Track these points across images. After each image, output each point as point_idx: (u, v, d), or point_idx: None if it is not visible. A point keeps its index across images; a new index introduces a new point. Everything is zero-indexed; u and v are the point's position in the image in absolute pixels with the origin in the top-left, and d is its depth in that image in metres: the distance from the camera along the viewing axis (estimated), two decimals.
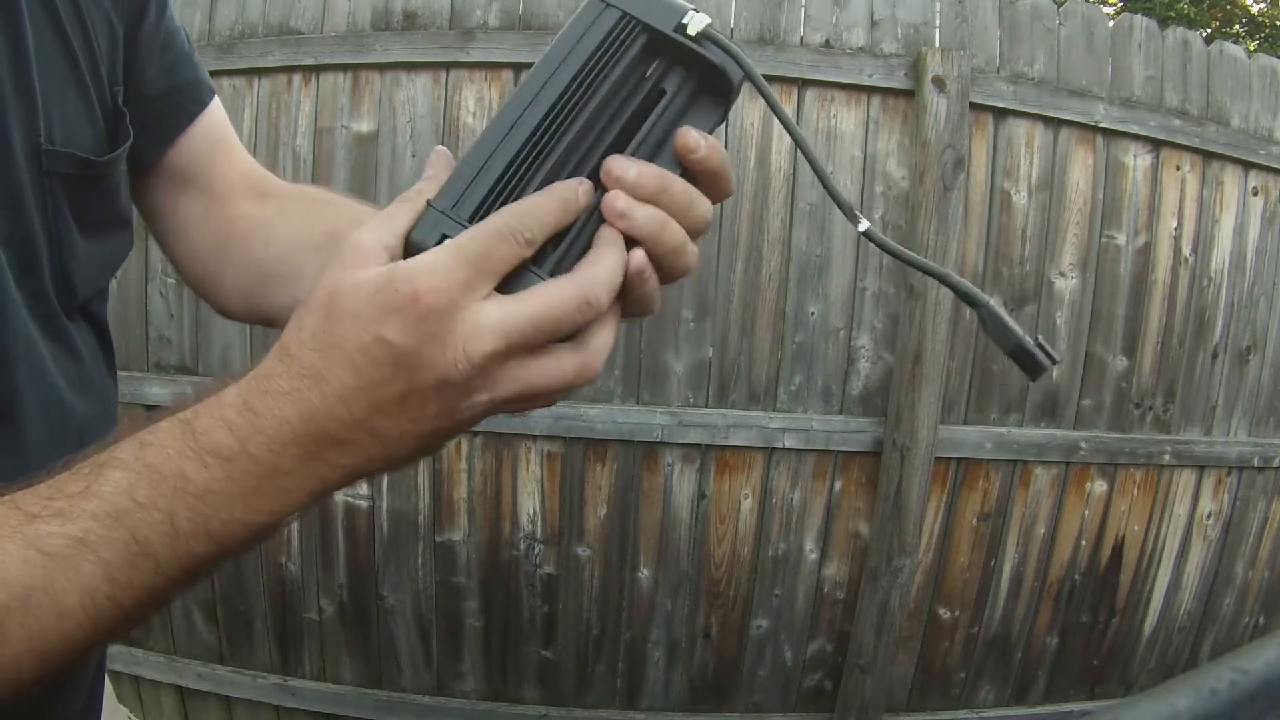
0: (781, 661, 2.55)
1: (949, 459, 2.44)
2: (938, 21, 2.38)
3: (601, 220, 0.47)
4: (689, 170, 0.48)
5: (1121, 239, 2.48)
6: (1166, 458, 2.56)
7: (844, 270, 2.39)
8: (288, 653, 2.55)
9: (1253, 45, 8.86)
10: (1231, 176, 2.54)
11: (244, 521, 0.44)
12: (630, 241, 0.47)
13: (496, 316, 0.43)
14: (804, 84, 2.33)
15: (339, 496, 2.42)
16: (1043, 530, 2.54)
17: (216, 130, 0.79)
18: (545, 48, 0.50)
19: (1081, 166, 2.44)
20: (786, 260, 2.37)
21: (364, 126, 2.35)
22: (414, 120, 2.34)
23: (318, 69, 2.34)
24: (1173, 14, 8.19)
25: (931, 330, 2.33)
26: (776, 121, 0.55)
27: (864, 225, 0.51)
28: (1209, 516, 2.66)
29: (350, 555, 2.47)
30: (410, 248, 0.46)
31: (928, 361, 2.33)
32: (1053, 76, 2.40)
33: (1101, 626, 2.65)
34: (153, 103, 0.73)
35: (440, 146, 0.51)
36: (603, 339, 0.46)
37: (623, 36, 0.48)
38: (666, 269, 0.48)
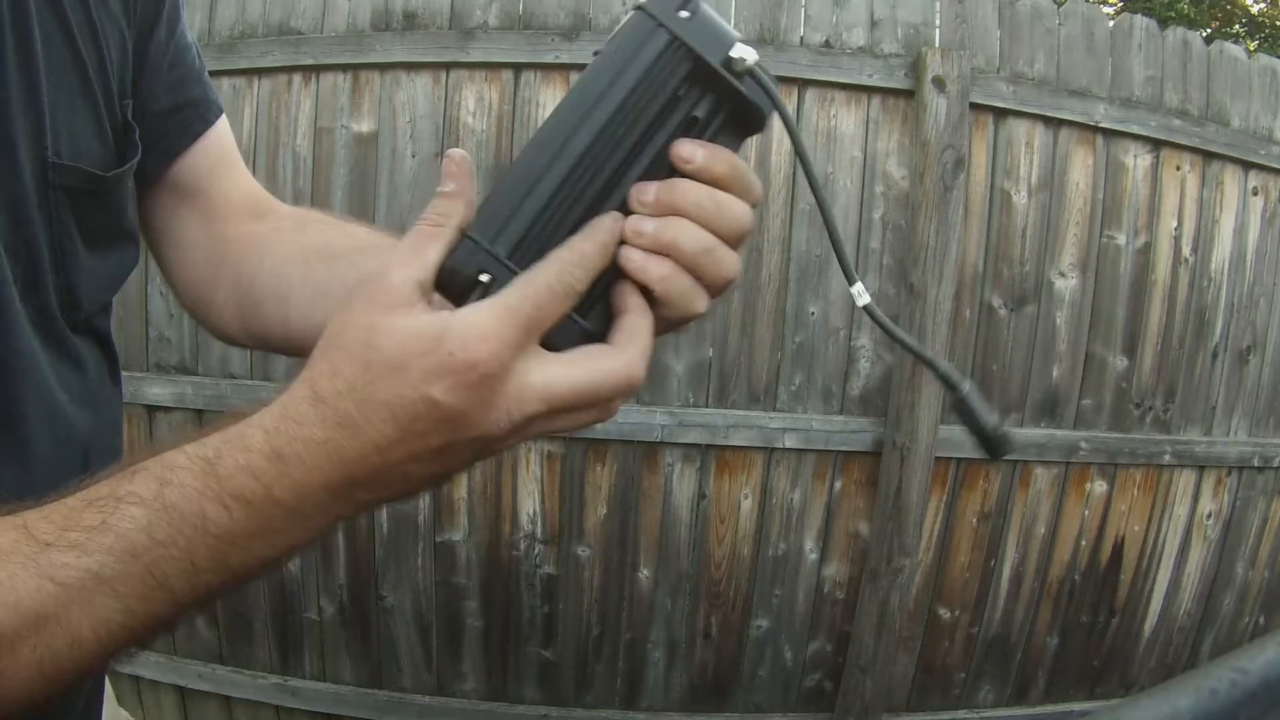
0: (781, 661, 2.55)
1: (949, 459, 2.44)
2: (938, 21, 2.38)
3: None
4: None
5: (1121, 239, 2.48)
6: (1166, 458, 2.56)
7: None
8: (288, 653, 2.55)
9: (1253, 45, 8.85)
10: (1231, 176, 2.54)
11: (261, 557, 0.44)
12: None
13: (541, 381, 0.44)
14: (804, 84, 2.33)
15: None
16: (1043, 530, 2.54)
17: (220, 150, 0.78)
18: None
19: (1081, 166, 2.44)
20: (786, 260, 2.37)
21: (364, 126, 2.35)
22: (414, 120, 2.34)
23: (318, 69, 2.34)
24: (1173, 14, 8.19)
25: (931, 330, 2.33)
26: (776, 120, 0.54)
27: (864, 300, 0.52)
28: (1209, 516, 2.66)
29: (350, 555, 2.47)
30: (445, 277, 0.45)
31: None
32: (1053, 76, 2.40)
33: (1101, 626, 2.65)
34: (158, 118, 0.72)
35: (457, 151, 0.49)
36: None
37: (670, 63, 0.47)
38: (708, 284, 0.48)
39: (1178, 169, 2.49)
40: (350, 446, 0.42)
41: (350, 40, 2.32)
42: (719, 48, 0.47)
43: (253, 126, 2.37)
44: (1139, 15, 2.55)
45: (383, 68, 2.33)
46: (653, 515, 2.44)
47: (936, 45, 2.35)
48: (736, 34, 0.48)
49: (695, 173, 0.47)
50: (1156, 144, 2.46)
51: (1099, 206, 2.46)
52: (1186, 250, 2.52)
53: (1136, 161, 2.46)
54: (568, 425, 0.46)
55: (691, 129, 0.48)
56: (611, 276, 0.47)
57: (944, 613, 2.56)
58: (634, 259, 0.46)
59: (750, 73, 0.47)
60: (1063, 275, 2.46)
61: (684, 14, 0.46)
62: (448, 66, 2.32)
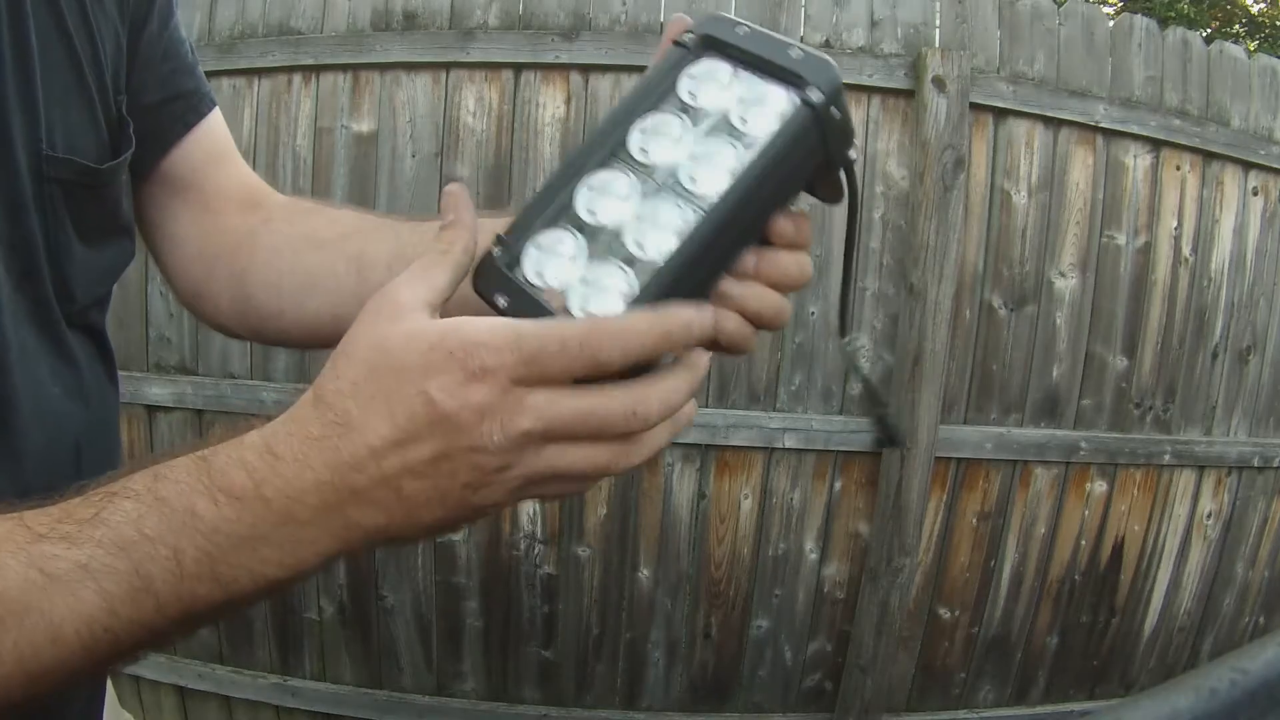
0: (781, 661, 2.55)
1: (949, 459, 2.44)
2: (938, 21, 2.38)
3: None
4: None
5: (1121, 239, 2.48)
6: (1166, 458, 2.56)
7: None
8: (288, 653, 2.55)
9: (1253, 45, 8.85)
10: (1231, 176, 2.54)
11: (250, 570, 0.43)
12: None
13: (541, 401, 0.42)
14: None
15: None
16: (1043, 530, 2.54)
17: (213, 141, 0.78)
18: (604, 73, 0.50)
19: (1081, 166, 2.44)
20: None
21: (364, 126, 2.35)
22: (414, 120, 2.34)
23: (318, 69, 2.34)
24: (1173, 14, 8.19)
25: (931, 330, 2.33)
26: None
27: (852, 347, 0.55)
28: (1209, 516, 2.66)
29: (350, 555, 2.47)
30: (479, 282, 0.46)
31: (928, 361, 2.33)
32: (1053, 76, 2.40)
33: (1101, 626, 2.65)
34: (150, 111, 0.72)
35: (455, 185, 0.49)
36: (651, 442, 0.45)
37: (809, 157, 0.48)
38: (764, 328, 0.50)
39: (1178, 169, 2.49)
40: (344, 446, 0.42)
41: (350, 40, 2.32)
42: (847, 146, 0.48)
43: (253, 126, 2.37)
44: (1139, 15, 2.55)
45: (383, 68, 2.33)
46: (653, 515, 2.44)
47: (936, 45, 2.35)
48: (853, 129, 0.49)
49: (786, 245, 0.49)
50: (1156, 144, 2.46)
51: (1099, 206, 2.46)
52: (1186, 250, 2.52)
53: (1136, 161, 2.46)
54: (576, 460, 0.44)
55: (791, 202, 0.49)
56: None
57: (944, 613, 2.56)
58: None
59: (850, 167, 0.49)
60: (1063, 275, 2.46)
61: (835, 112, 0.47)
62: (448, 66, 2.32)
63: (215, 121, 0.79)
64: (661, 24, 2.32)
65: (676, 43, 0.52)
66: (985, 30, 2.38)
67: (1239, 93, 2.52)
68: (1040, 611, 2.59)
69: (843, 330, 0.57)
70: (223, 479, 0.42)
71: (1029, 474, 2.50)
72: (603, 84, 2.32)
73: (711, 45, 0.51)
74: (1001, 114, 2.38)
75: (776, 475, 2.43)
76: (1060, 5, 2.45)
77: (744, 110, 0.48)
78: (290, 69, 2.34)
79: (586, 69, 2.30)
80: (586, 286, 0.45)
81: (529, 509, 2.43)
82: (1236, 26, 9.67)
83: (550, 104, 2.32)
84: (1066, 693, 2.67)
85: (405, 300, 0.44)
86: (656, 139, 0.49)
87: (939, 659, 2.59)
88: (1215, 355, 2.58)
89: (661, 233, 0.46)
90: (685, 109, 0.50)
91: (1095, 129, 2.41)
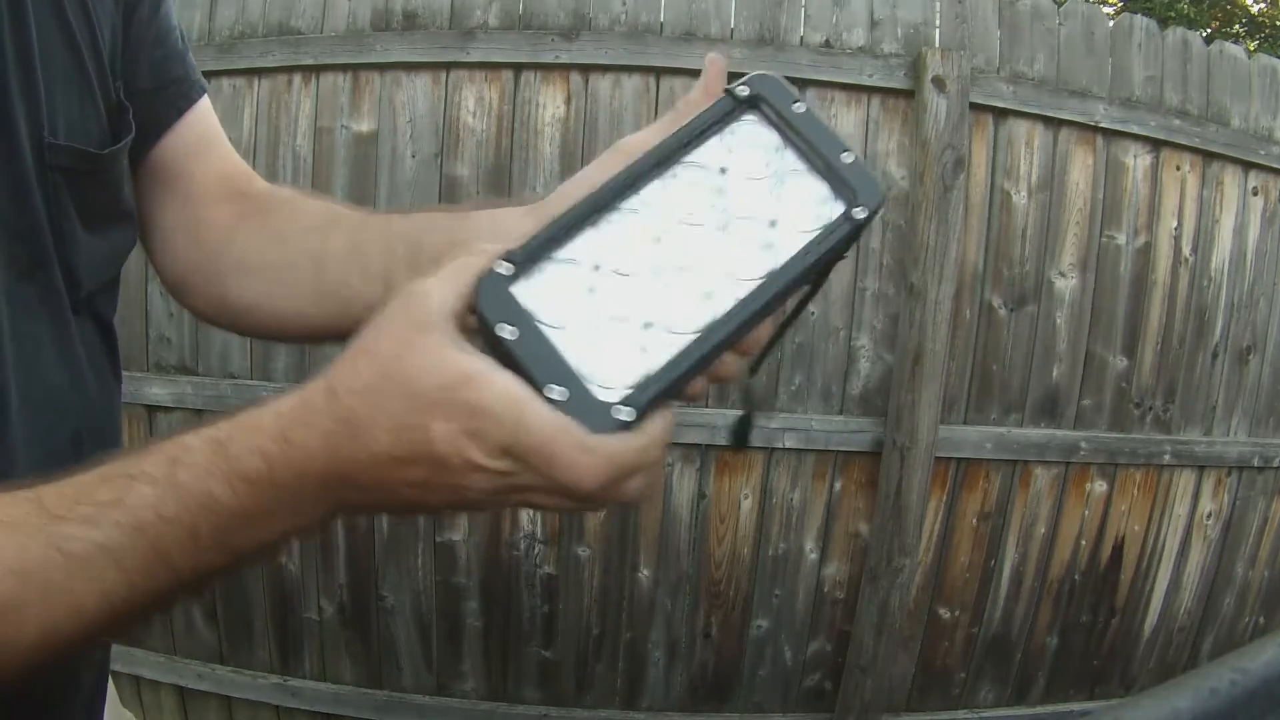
0: (781, 661, 2.55)
1: (949, 459, 2.44)
2: (938, 21, 2.38)
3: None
4: None
5: (1121, 239, 2.48)
6: (1166, 458, 2.56)
7: (844, 270, 2.39)
8: (288, 653, 2.55)
9: (1253, 45, 8.85)
10: (1231, 176, 2.54)
11: (259, 539, 0.46)
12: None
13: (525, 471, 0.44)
14: (804, 84, 2.33)
15: None
16: (1043, 530, 2.54)
17: (201, 129, 0.78)
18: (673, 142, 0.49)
19: (1081, 166, 2.44)
20: None
21: (364, 126, 2.35)
22: (414, 120, 2.34)
23: (318, 69, 2.34)
24: (1173, 14, 8.18)
25: (931, 330, 2.33)
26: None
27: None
28: (1209, 516, 2.66)
29: (350, 555, 2.47)
30: (477, 305, 0.46)
31: (928, 361, 2.33)
32: (1053, 76, 2.40)
33: (1101, 626, 2.65)
34: (142, 97, 0.72)
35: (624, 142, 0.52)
36: (622, 491, 0.46)
37: (844, 244, 0.49)
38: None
39: (1178, 169, 2.49)
40: (347, 445, 0.44)
41: (350, 40, 2.32)
42: (873, 205, 0.49)
43: (253, 126, 2.37)
44: (1139, 15, 2.55)
45: (383, 68, 2.33)
46: (652, 515, 2.44)
47: (936, 45, 2.35)
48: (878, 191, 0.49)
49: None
50: (1156, 144, 2.46)
51: (1099, 206, 2.46)
52: (1186, 250, 2.52)
53: (1136, 161, 2.46)
54: (546, 505, 0.46)
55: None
56: None
57: (944, 613, 2.56)
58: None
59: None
60: (1063, 275, 2.46)
61: (867, 215, 0.48)
62: (448, 66, 2.32)
63: (204, 108, 0.79)
64: (661, 24, 2.32)
65: (728, 91, 0.51)
66: (985, 30, 2.38)
67: (1239, 93, 2.52)
68: (1040, 611, 2.59)
69: (753, 372, 0.58)
70: (240, 465, 0.44)
71: (1029, 474, 2.50)
72: (603, 84, 2.32)
73: (761, 108, 0.50)
74: (1001, 114, 2.38)
75: (776, 475, 2.43)
76: (1060, 5, 2.45)
77: (786, 201, 0.48)
78: (290, 69, 2.34)
79: (586, 69, 2.30)
80: (594, 336, 0.45)
81: (529, 509, 2.43)
82: (1236, 26, 9.67)
83: (550, 104, 2.32)
84: (1066, 693, 2.67)
85: (434, 304, 0.45)
86: (690, 195, 0.49)
87: (939, 659, 2.59)
88: (1215, 355, 2.58)
89: (682, 312, 0.46)
90: (724, 170, 0.49)
91: (1095, 129, 2.41)
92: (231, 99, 2.34)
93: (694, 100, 0.54)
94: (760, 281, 0.46)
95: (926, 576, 2.51)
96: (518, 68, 2.31)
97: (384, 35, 2.31)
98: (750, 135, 0.50)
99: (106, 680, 0.77)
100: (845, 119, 2.36)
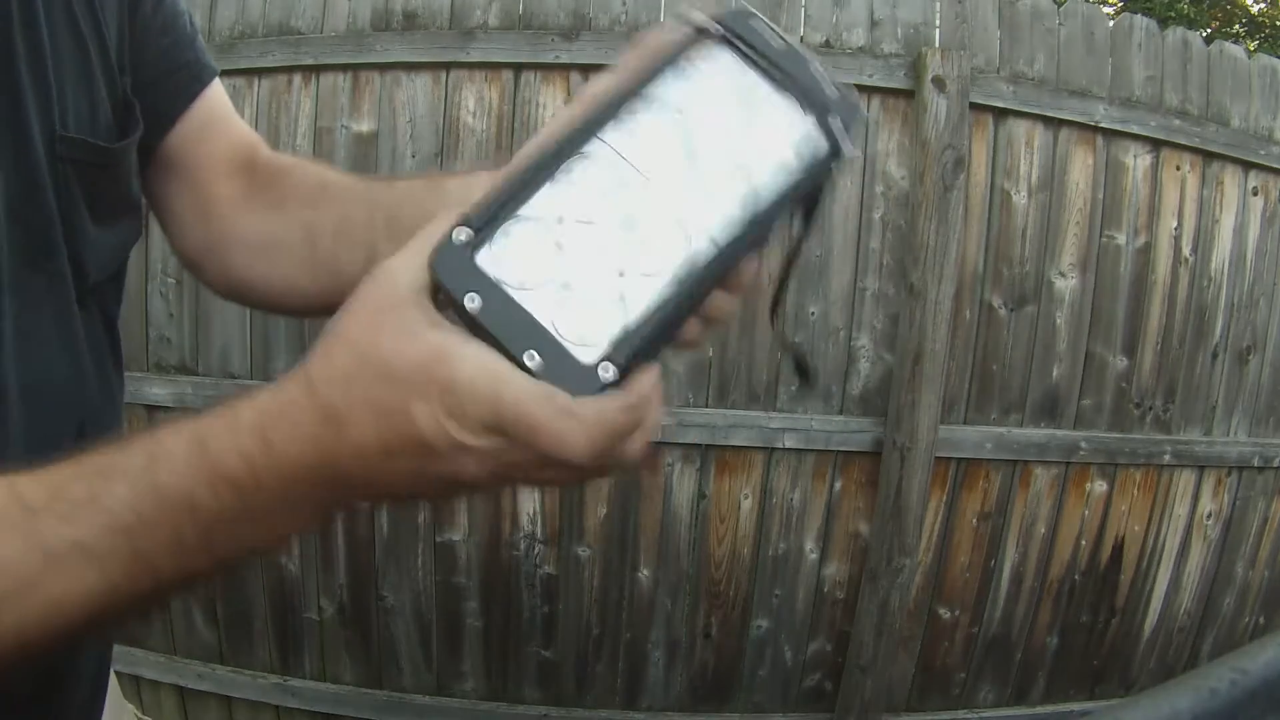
0: (781, 661, 2.55)
1: (949, 459, 2.44)
2: (938, 21, 2.38)
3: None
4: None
5: (1121, 239, 2.48)
6: (1166, 458, 2.56)
7: (844, 270, 2.39)
8: (288, 653, 2.55)
9: (1253, 45, 8.85)
10: (1231, 176, 2.54)
11: (248, 542, 0.45)
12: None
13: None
14: None
15: None
16: (1043, 530, 2.54)
17: (213, 111, 0.79)
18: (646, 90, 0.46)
19: (1081, 166, 2.44)
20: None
21: (364, 126, 2.35)
22: (414, 120, 2.34)
23: (318, 69, 2.34)
24: (1173, 14, 8.19)
25: (931, 330, 2.33)
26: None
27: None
28: (1209, 516, 2.66)
29: (350, 555, 2.47)
30: (435, 283, 0.42)
31: (928, 361, 2.33)
32: (1053, 76, 2.40)
33: (1101, 626, 2.65)
34: (152, 86, 0.73)
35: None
36: (618, 455, 0.44)
37: (822, 178, 0.46)
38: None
39: (1178, 169, 2.49)
40: (332, 442, 0.42)
41: (350, 40, 2.32)
42: (845, 134, 0.46)
43: (252, 127, 2.34)
44: (1139, 15, 2.55)
45: (383, 68, 2.33)
46: (653, 515, 2.44)
47: (936, 45, 2.35)
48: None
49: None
50: (1156, 144, 2.46)
51: (1099, 206, 2.46)
52: (1186, 250, 2.52)
53: (1136, 161, 2.46)
54: (538, 481, 0.45)
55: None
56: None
57: (944, 613, 2.56)
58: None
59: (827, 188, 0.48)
60: (1063, 275, 2.46)
61: (852, 150, 0.46)
62: (448, 66, 2.32)
63: (215, 91, 0.79)
64: (661, 24, 2.32)
65: (698, 29, 0.48)
66: (985, 30, 2.38)
67: (1239, 93, 2.52)
68: (1040, 611, 2.59)
69: (772, 321, 0.55)
70: (221, 467, 0.42)
71: (1029, 474, 2.50)
72: None
73: (719, 34, 0.47)
74: (1001, 114, 2.38)
75: (776, 475, 2.43)
76: (1060, 5, 2.45)
77: (755, 126, 0.46)
78: (290, 69, 2.34)
79: (587, 69, 2.30)
80: (566, 293, 0.42)
81: (529, 509, 2.43)
82: (1236, 26, 9.67)
83: (550, 104, 2.32)
84: (1066, 693, 2.67)
85: (402, 281, 0.43)
86: (654, 132, 0.45)
87: (939, 659, 2.59)
88: (1215, 355, 2.58)
89: (657, 255, 0.43)
90: (686, 101, 0.46)
91: (1095, 129, 2.41)
92: (231, 99, 2.31)
93: (657, 37, 0.51)
94: (737, 211, 0.44)
95: (926, 576, 2.51)
96: (518, 68, 2.31)
97: (384, 35, 2.31)
98: (714, 62, 0.47)
99: (108, 673, 0.77)
100: None
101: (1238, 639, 2.75)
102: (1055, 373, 2.48)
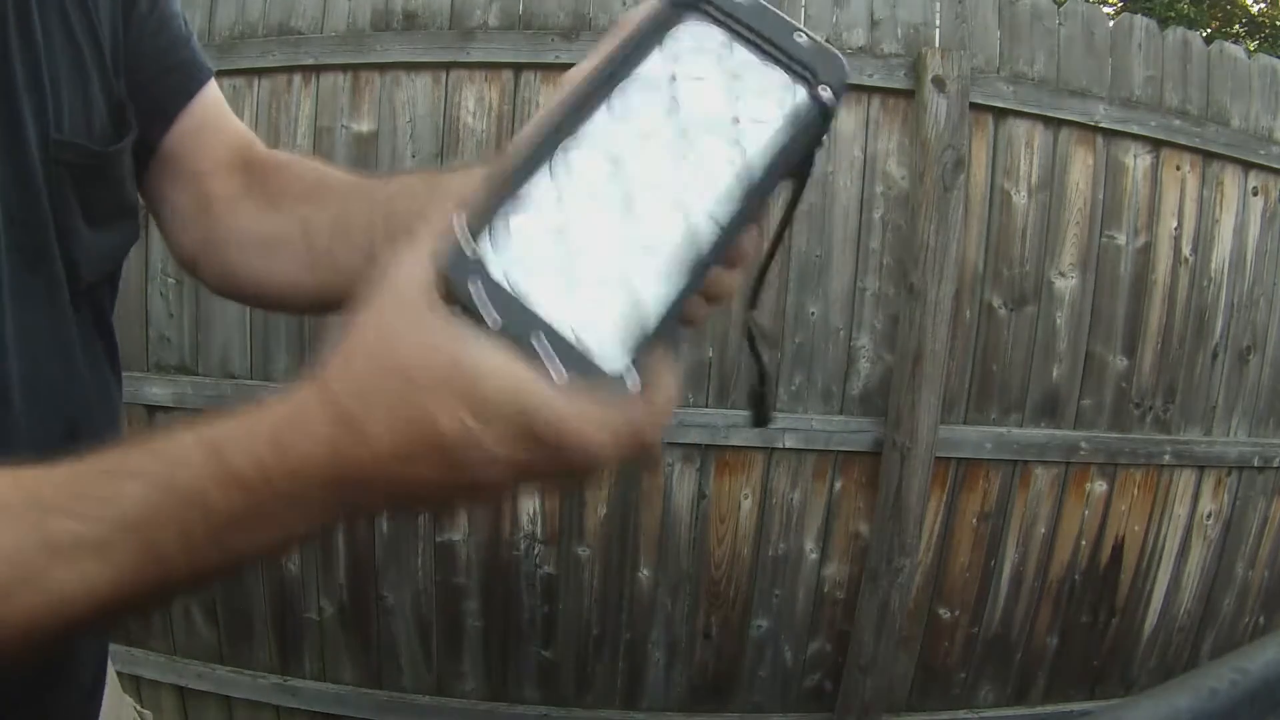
0: (781, 661, 2.55)
1: (949, 459, 2.44)
2: (938, 21, 2.38)
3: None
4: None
5: (1121, 239, 2.48)
6: (1166, 458, 2.56)
7: (844, 270, 2.39)
8: (288, 653, 2.55)
9: (1253, 45, 8.84)
10: (1231, 176, 2.54)
11: (258, 543, 0.44)
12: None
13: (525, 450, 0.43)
14: None
15: None
16: (1043, 530, 2.54)
17: (206, 111, 0.79)
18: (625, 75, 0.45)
19: (1081, 166, 2.44)
20: (786, 260, 2.37)
21: (364, 126, 2.35)
22: (414, 120, 2.34)
23: (318, 69, 2.34)
24: (1173, 14, 8.18)
25: (931, 330, 2.33)
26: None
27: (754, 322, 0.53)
28: (1209, 516, 2.66)
29: (350, 555, 2.47)
30: (446, 280, 0.42)
31: (928, 361, 2.33)
32: (1053, 76, 2.40)
33: (1101, 626, 2.65)
34: (148, 88, 0.73)
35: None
36: (635, 446, 0.44)
37: (813, 143, 0.46)
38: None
39: (1178, 169, 2.49)
40: (347, 446, 0.42)
41: (350, 40, 2.32)
42: (835, 99, 0.46)
43: (252, 127, 2.34)
44: (1139, 15, 2.55)
45: (383, 68, 2.33)
46: (653, 515, 2.44)
47: (936, 45, 2.35)
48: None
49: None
50: (1156, 144, 2.46)
51: (1099, 206, 2.46)
52: (1186, 250, 2.52)
53: (1136, 161, 2.46)
54: (534, 468, 0.44)
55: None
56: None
57: (944, 613, 2.56)
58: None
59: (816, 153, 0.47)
60: (1063, 275, 2.46)
61: (839, 109, 0.46)
62: (448, 66, 2.32)
63: (211, 91, 0.79)
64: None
65: (672, 2, 0.47)
66: (985, 30, 2.38)
67: (1239, 93, 2.52)
68: (1040, 611, 2.59)
69: (753, 302, 0.54)
70: (235, 469, 0.43)
71: (1029, 474, 2.50)
72: None
73: (700, 6, 0.47)
74: (1001, 114, 2.38)
75: (776, 475, 2.43)
76: (1060, 5, 2.45)
77: (744, 97, 0.45)
78: (290, 69, 2.34)
79: None
80: (573, 284, 0.42)
81: (529, 509, 2.43)
82: (1236, 26, 9.67)
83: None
84: (1066, 693, 2.67)
85: (410, 282, 0.42)
86: (642, 111, 0.45)
87: (939, 659, 2.59)
88: (1215, 355, 2.58)
89: (659, 235, 0.43)
90: (673, 78, 0.46)
91: (1095, 129, 2.41)
92: (231, 99, 2.32)
93: (629, 15, 0.51)
94: (733, 185, 0.43)
95: (926, 576, 2.51)
96: (518, 68, 2.31)
97: (384, 35, 2.31)
98: (694, 36, 0.46)
99: (106, 668, 0.78)
100: (845, 119, 2.36)
101: (1238, 639, 2.75)
102: (1055, 373, 2.48)
